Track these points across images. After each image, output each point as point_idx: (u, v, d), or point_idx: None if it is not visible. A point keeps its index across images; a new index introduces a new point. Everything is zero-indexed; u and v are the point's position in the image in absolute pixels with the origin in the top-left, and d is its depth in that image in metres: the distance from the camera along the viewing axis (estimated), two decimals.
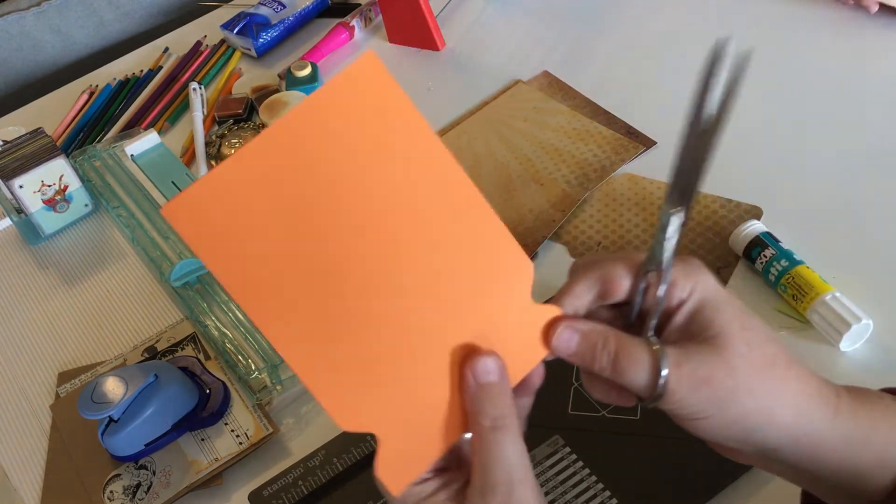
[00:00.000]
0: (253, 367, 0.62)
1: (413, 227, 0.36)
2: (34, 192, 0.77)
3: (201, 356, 0.66)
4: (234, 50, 1.02)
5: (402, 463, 0.38)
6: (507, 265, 0.39)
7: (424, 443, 0.38)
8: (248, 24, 1.00)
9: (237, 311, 0.67)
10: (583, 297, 0.39)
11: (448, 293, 0.38)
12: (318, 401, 0.35)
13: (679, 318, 0.38)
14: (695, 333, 0.37)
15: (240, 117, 0.90)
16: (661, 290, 0.38)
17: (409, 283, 0.37)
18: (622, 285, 0.39)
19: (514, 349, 0.40)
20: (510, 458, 0.37)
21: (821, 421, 0.37)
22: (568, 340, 0.39)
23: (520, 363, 0.40)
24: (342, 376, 0.36)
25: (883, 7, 0.85)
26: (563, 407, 0.57)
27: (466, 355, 0.38)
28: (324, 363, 0.35)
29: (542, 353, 0.40)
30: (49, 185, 0.78)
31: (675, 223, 0.38)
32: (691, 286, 0.38)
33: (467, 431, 0.39)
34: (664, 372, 0.36)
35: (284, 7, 1.02)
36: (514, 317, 0.39)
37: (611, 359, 0.37)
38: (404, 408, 0.38)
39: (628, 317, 0.40)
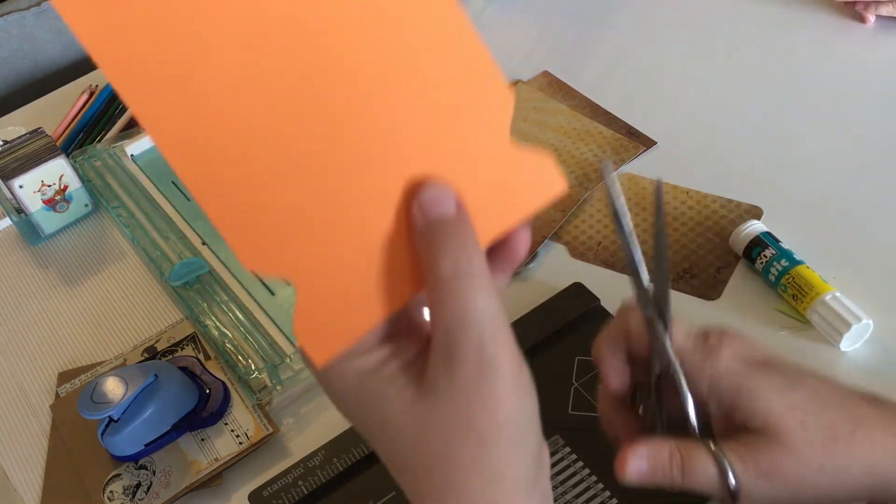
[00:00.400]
0: (253, 367, 0.62)
1: (370, 23, 0.28)
2: (34, 192, 0.77)
3: (201, 356, 0.66)
4: None
5: (331, 326, 0.30)
6: (484, 92, 0.31)
7: (363, 303, 0.30)
8: None
9: (237, 311, 0.67)
10: (616, 364, 0.40)
11: (407, 122, 0.30)
12: (218, 231, 0.28)
13: (715, 411, 0.38)
14: (741, 421, 0.37)
15: None
16: (682, 384, 0.38)
17: (358, 100, 0.29)
18: (640, 332, 0.39)
19: (489, 200, 0.32)
20: (479, 312, 0.29)
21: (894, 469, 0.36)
22: (640, 469, 0.37)
23: (496, 218, 0.32)
24: (253, 206, 0.28)
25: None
26: (563, 407, 0.57)
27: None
28: (229, 179, 0.27)
29: (527, 209, 0.33)
30: (49, 185, 0.78)
31: (661, 329, 0.38)
32: (707, 379, 0.38)
33: (420, 290, 0.31)
34: (731, 475, 0.36)
35: None
36: (490, 159, 0.32)
37: (680, 472, 0.37)
38: (338, 254, 0.30)
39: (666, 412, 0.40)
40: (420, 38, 0.29)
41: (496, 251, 0.33)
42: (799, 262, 0.61)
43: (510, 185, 0.32)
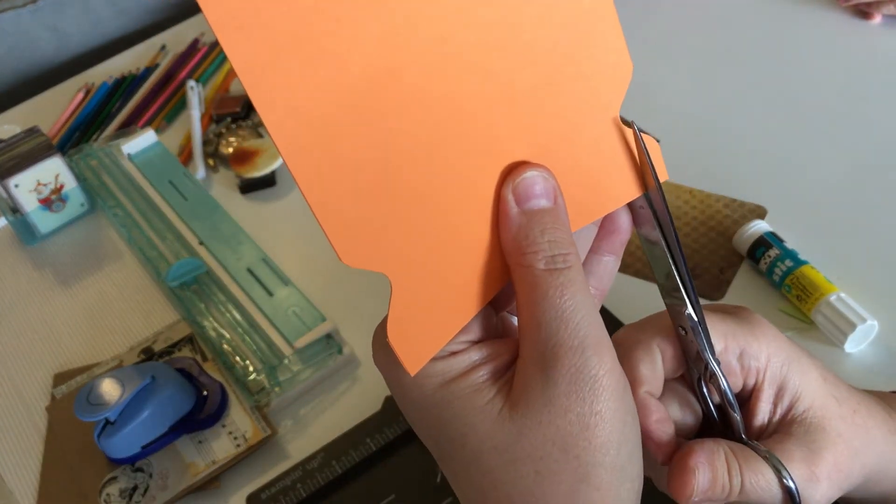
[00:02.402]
0: (251, 369, 0.62)
1: None
2: (30, 192, 0.77)
3: (199, 357, 0.65)
4: None
5: (423, 326, 0.27)
6: (600, 60, 0.29)
7: (455, 298, 0.28)
8: None
9: (235, 312, 0.67)
10: (652, 371, 0.33)
11: (513, 93, 0.27)
12: (318, 223, 0.26)
13: (763, 403, 0.34)
14: (789, 403, 0.33)
15: (237, 115, 0.89)
16: (724, 384, 0.33)
17: (469, 81, 0.27)
18: (676, 353, 0.34)
19: (584, 188, 0.29)
20: (577, 310, 0.26)
21: (889, 453, 0.35)
22: (703, 481, 0.31)
23: (598, 199, 0.30)
24: (354, 193, 0.26)
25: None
26: None
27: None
28: (333, 170, 0.26)
29: (633, 192, 0.30)
30: (45, 185, 0.77)
31: (692, 321, 0.32)
32: (762, 363, 0.33)
33: (506, 282, 0.29)
34: (791, 482, 0.32)
35: None
36: (594, 140, 0.29)
37: (739, 479, 0.31)
38: (431, 246, 0.27)
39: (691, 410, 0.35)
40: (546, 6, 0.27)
41: (599, 229, 0.30)
42: (803, 263, 0.61)
43: (606, 172, 0.30)
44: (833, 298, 0.58)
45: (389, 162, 0.26)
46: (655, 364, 0.33)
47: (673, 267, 0.31)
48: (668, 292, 0.32)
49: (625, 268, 0.66)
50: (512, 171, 0.28)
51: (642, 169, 0.31)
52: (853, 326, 0.57)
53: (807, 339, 0.59)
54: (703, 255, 0.66)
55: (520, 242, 0.27)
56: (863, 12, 0.86)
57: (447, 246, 0.28)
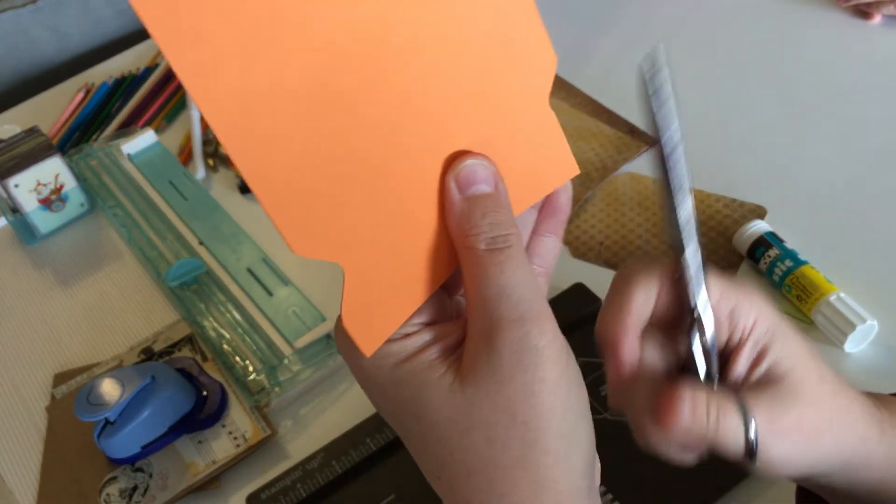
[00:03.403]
0: (251, 369, 0.62)
1: None
2: (30, 192, 0.77)
3: (199, 357, 0.65)
4: None
5: (376, 312, 0.29)
6: (528, 52, 0.31)
7: (404, 286, 0.30)
8: None
9: (235, 312, 0.66)
10: (644, 303, 0.33)
11: (452, 89, 0.29)
12: (268, 216, 0.27)
13: (743, 358, 0.34)
14: (768, 366, 0.33)
15: None
16: (709, 334, 0.33)
17: (405, 72, 0.28)
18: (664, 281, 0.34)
19: (522, 172, 0.31)
20: (518, 286, 0.28)
21: (871, 440, 0.34)
22: (685, 416, 0.31)
23: (538, 181, 0.32)
24: (302, 187, 0.27)
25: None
26: None
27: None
28: (279, 161, 0.26)
29: (549, 186, 0.32)
30: (45, 185, 0.77)
31: (693, 262, 0.33)
32: (750, 322, 0.34)
33: (454, 268, 0.31)
34: (752, 430, 0.32)
35: None
36: (528, 127, 0.31)
37: (716, 423, 0.31)
38: (382, 235, 0.29)
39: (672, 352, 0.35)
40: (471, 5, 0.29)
41: (540, 210, 0.32)
42: (803, 263, 0.61)
43: (543, 156, 0.31)
44: (833, 298, 0.58)
45: (335, 156, 0.27)
46: (650, 296, 0.34)
47: (676, 210, 0.32)
48: (674, 241, 0.33)
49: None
50: (454, 160, 0.29)
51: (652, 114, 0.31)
52: (853, 326, 0.57)
53: (807, 339, 0.59)
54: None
55: (463, 226, 0.29)
56: (863, 12, 0.86)
57: (397, 234, 0.29)
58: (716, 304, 0.34)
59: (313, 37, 0.26)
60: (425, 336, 0.30)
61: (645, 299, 0.34)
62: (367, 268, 0.29)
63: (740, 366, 0.34)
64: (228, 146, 0.25)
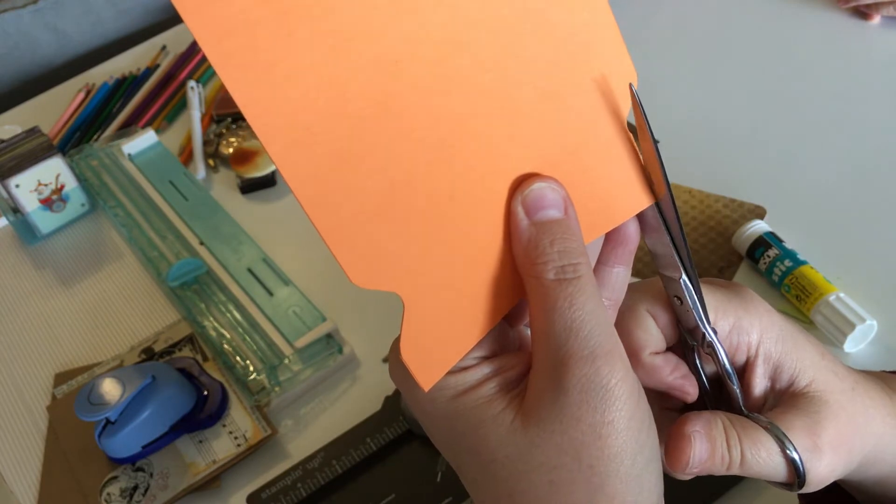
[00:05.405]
0: (251, 369, 0.62)
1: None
2: (30, 192, 0.77)
3: (199, 357, 0.65)
4: None
5: (436, 344, 0.27)
6: (602, 67, 0.29)
7: (468, 315, 0.28)
8: None
9: (235, 312, 0.67)
10: (648, 333, 0.32)
11: (519, 105, 0.27)
12: (328, 247, 0.26)
13: (758, 378, 0.33)
14: (788, 380, 0.33)
15: (238, 116, 0.89)
16: (722, 355, 0.32)
17: (476, 97, 0.27)
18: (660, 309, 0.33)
19: (599, 189, 0.29)
20: (588, 320, 0.26)
21: (887, 435, 0.34)
22: (701, 452, 0.30)
23: (609, 210, 0.29)
24: (361, 215, 0.26)
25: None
26: None
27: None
28: (340, 191, 0.25)
29: (642, 201, 0.30)
30: (45, 185, 0.77)
31: (687, 289, 0.31)
32: (754, 339, 0.32)
33: (519, 299, 0.29)
34: (795, 453, 0.30)
35: None
36: (602, 145, 0.29)
37: (739, 451, 0.30)
38: (443, 263, 0.27)
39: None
40: (549, 16, 0.27)
41: (606, 240, 0.30)
42: (803, 263, 0.61)
43: (615, 182, 0.29)
44: (832, 298, 0.58)
45: (396, 183, 0.26)
46: (649, 327, 0.32)
47: (668, 234, 0.30)
48: (663, 264, 0.32)
49: None
50: (521, 183, 0.28)
51: (648, 172, 0.30)
52: (852, 326, 0.57)
53: (810, 335, 0.59)
54: (702, 255, 0.66)
55: (530, 254, 0.27)
56: (862, 13, 0.86)
57: (459, 263, 0.27)
58: (714, 323, 0.33)
59: (377, 55, 0.25)
60: (485, 369, 0.28)
61: (646, 331, 0.33)
62: (427, 298, 0.27)
63: (758, 385, 0.33)
64: (285, 172, 0.24)
